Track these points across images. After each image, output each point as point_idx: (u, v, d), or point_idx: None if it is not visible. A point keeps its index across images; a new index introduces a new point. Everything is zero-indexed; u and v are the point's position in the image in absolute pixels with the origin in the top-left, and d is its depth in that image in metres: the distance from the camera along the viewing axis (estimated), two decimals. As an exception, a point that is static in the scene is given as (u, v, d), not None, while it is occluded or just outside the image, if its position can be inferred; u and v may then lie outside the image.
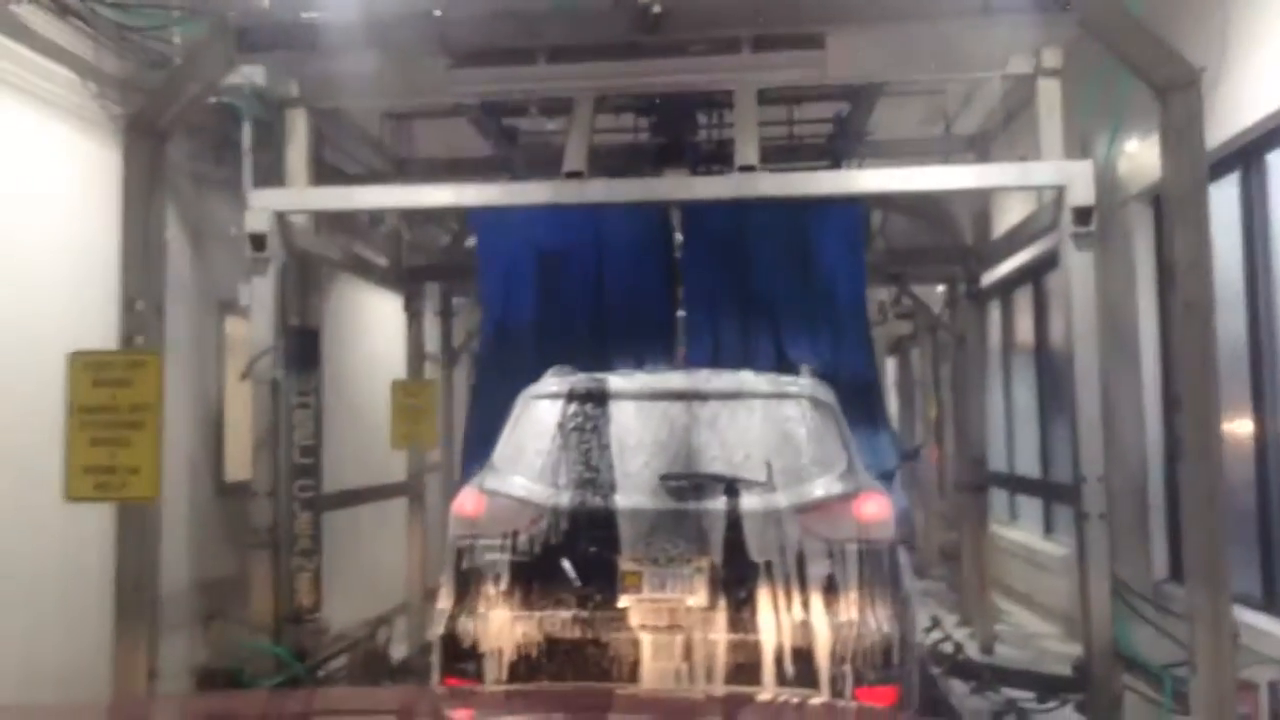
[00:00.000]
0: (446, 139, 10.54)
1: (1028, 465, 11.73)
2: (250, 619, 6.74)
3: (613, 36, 5.41)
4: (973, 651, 9.05)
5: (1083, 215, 6.53)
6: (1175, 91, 4.63)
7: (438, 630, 5.43)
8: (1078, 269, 6.64)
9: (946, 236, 10.10)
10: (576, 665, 5.25)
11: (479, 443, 7.78)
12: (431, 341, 11.08)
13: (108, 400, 5.03)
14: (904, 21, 5.34)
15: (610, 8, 5.03)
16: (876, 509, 5.54)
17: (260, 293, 6.97)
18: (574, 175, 6.75)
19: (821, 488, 5.54)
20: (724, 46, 5.61)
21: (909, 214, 10.45)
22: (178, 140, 7.89)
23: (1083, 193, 6.53)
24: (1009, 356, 12.64)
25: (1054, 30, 6.06)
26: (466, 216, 10.06)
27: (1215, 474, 4.83)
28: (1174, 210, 4.72)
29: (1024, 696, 7.22)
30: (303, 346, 7.05)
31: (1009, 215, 9.62)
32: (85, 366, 5.06)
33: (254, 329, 7.02)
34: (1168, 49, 4.69)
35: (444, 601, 5.52)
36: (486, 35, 5.46)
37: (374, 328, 11.45)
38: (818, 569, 5.34)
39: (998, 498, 12.27)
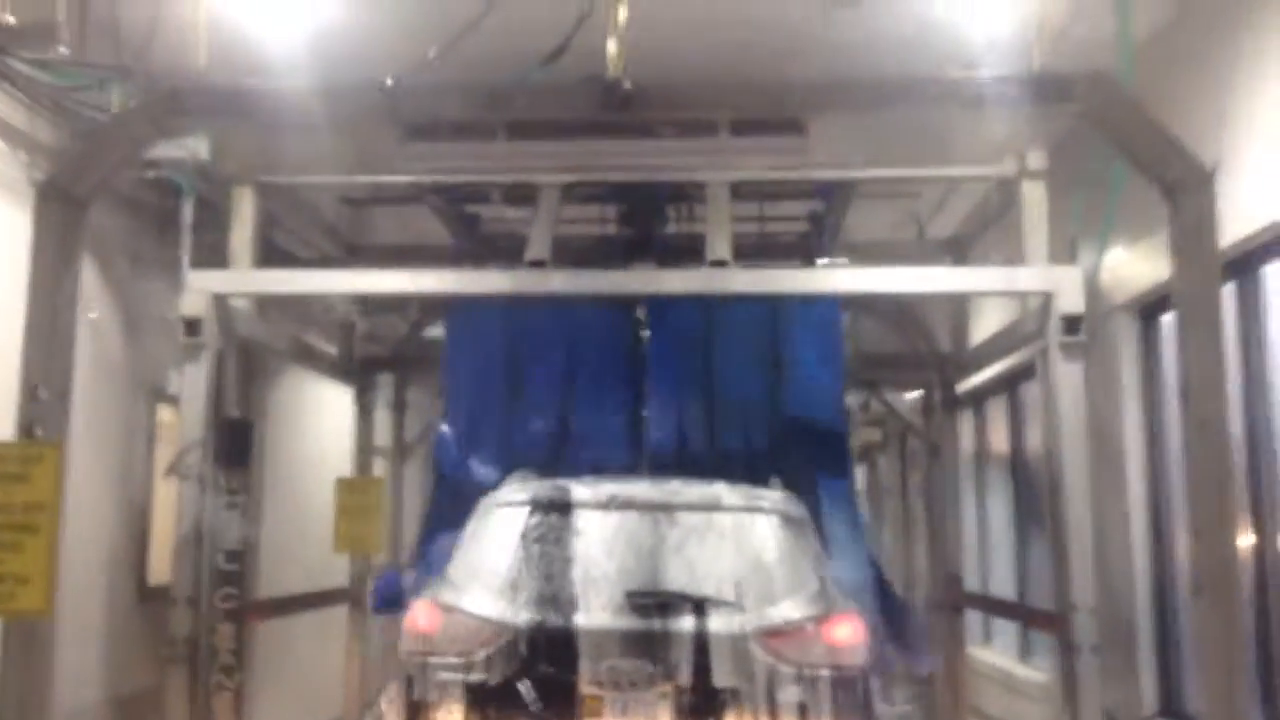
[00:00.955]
0: (405, 226, 10.15)
1: (1002, 584, 11.26)
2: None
3: (578, 114, 5.06)
4: (948, 785, 8.48)
5: (1071, 324, 6.24)
6: (1186, 192, 4.31)
7: None
8: (1065, 380, 6.31)
9: (921, 342, 9.75)
10: None
11: (433, 542, 7.34)
12: (383, 435, 10.54)
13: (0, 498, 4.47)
14: (891, 108, 5.03)
15: (576, 84, 4.69)
16: (849, 633, 5.34)
17: (192, 381, 6.51)
18: (537, 264, 6.38)
19: (791, 609, 5.34)
20: (698, 129, 5.27)
21: (881, 318, 10.11)
22: (117, 216, 7.51)
23: (1071, 300, 6.24)
24: (982, 468, 12.25)
25: (1047, 124, 5.79)
26: (426, 306, 9.63)
27: (1235, 606, 4.41)
28: (1185, 320, 4.37)
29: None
30: (234, 441, 6.51)
31: (985, 322, 9.31)
32: (-26, 459, 4.51)
33: (183, 420, 6.52)
34: (1179, 147, 4.39)
35: None
36: (441, 108, 5.09)
37: (324, 420, 10.89)
38: (787, 696, 5.13)
39: (970, 617, 11.75)
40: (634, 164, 5.64)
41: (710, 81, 5.12)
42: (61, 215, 4.44)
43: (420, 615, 5.39)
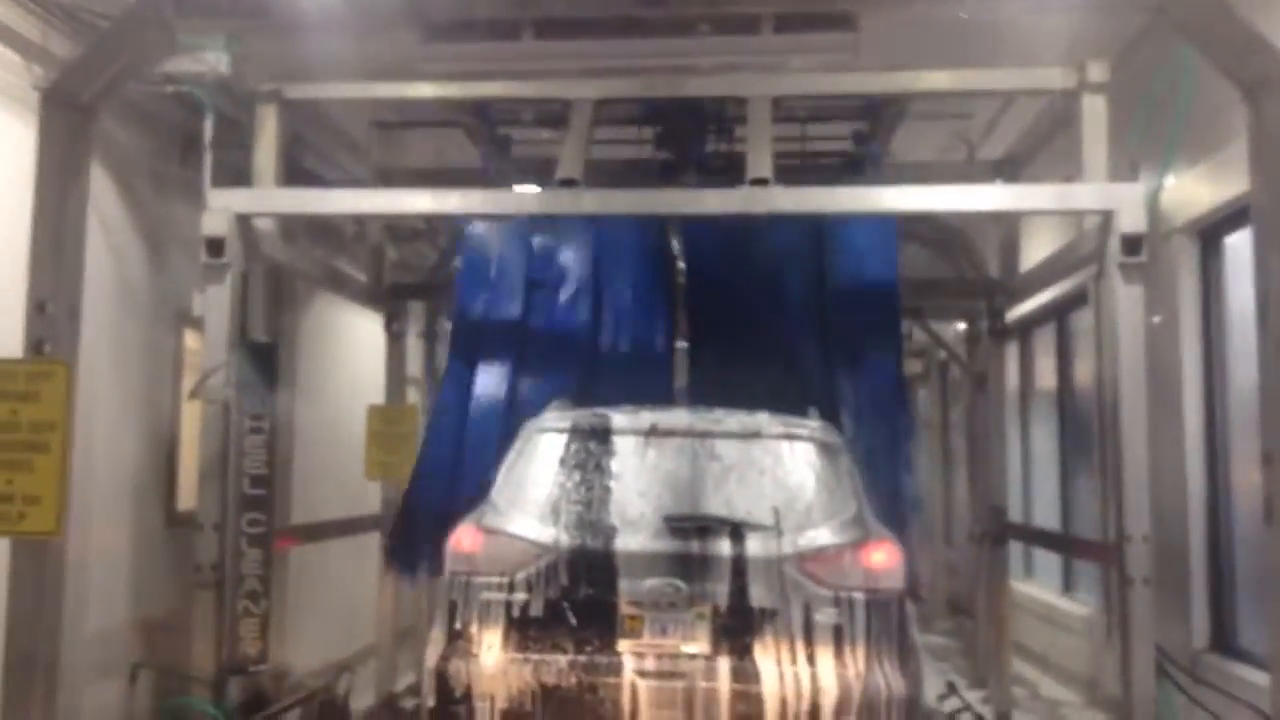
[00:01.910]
0: (437, 151, 9.88)
1: (1046, 517, 11.00)
2: (188, 667, 6.04)
3: (611, 10, 4.75)
4: (989, 718, 8.31)
5: (1132, 244, 5.93)
6: (1269, 92, 3.96)
7: (428, 669, 5.27)
8: (1125, 303, 6.01)
9: (969, 268, 9.41)
10: (572, 711, 5.15)
11: (434, 466, 7.21)
12: (415, 365, 10.39)
13: (7, 417, 4.30)
14: (947, 3, 4.68)
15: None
16: (885, 558, 5.39)
17: (215, 303, 6.32)
18: (568, 184, 6.12)
19: (828, 534, 5.40)
20: (739, 26, 4.93)
21: (928, 243, 9.77)
22: (139, 135, 7.32)
23: (1132, 219, 5.92)
24: (1028, 399, 11.94)
25: (1111, 30, 5.41)
26: (456, 234, 9.39)
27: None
28: (1263, 233, 4.04)
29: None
30: (258, 363, 6.35)
31: (1036, 249, 8.96)
32: (-18, 377, 4.34)
33: (206, 343, 6.35)
34: (1261, 40, 4.03)
35: (434, 642, 5.37)
36: (466, 3, 4.80)
37: (357, 348, 10.74)
38: (823, 618, 5.22)
39: (1012, 550, 11.54)
40: (669, 64, 5.31)
41: None
42: (67, 123, 4.24)
43: (464, 537, 5.47)
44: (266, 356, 6.50)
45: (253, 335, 6.87)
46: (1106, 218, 6.01)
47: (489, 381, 7.47)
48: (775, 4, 4.79)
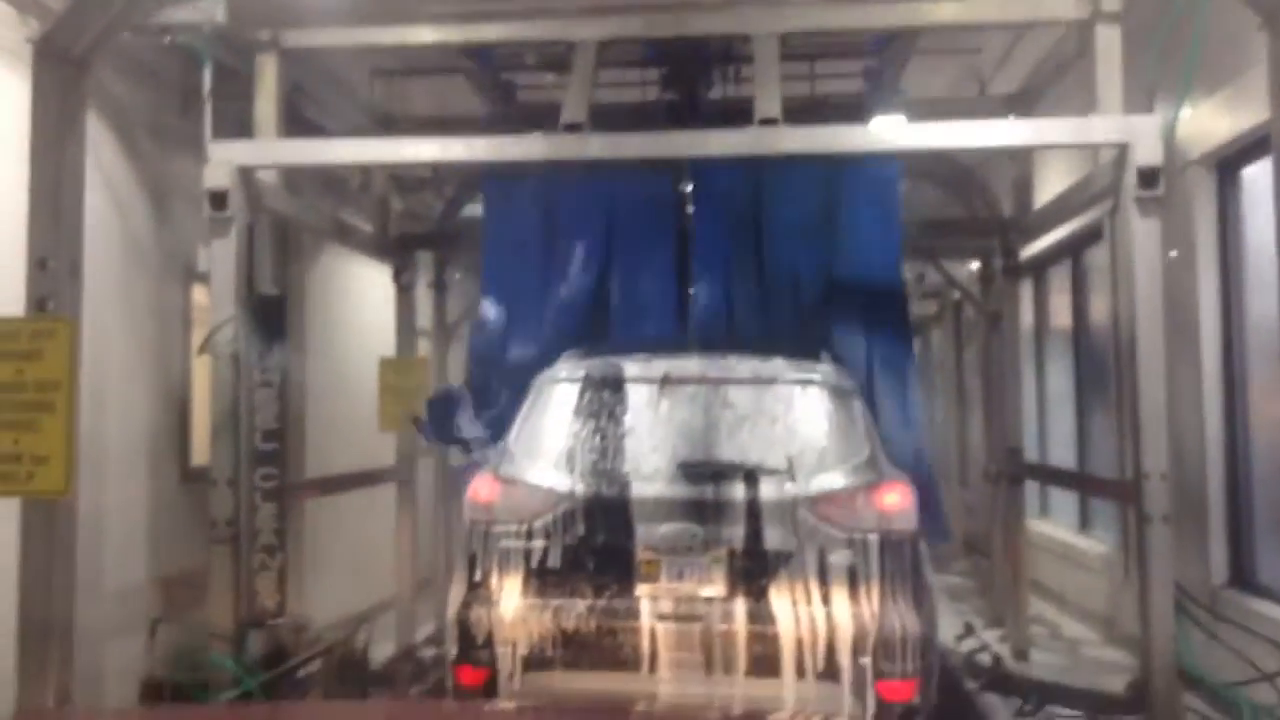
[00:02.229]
0: (441, 100, 9.77)
1: (1062, 456, 10.95)
2: (206, 622, 6.06)
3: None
4: (1007, 657, 8.32)
5: (1148, 177, 5.82)
6: (1290, 17, 3.84)
7: (450, 617, 5.38)
8: (1142, 237, 5.91)
9: (982, 207, 9.29)
10: (592, 655, 5.23)
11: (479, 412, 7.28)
12: (425, 317, 10.35)
13: (11, 376, 4.27)
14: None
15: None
16: (898, 499, 5.42)
17: (221, 256, 6.27)
18: (573, 128, 6.03)
19: (841, 477, 5.44)
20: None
21: (940, 183, 9.65)
22: (139, 89, 7.23)
23: (1149, 151, 5.81)
24: (1042, 338, 11.85)
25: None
26: (463, 183, 9.31)
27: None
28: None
29: (1071, 715, 6.49)
30: (265, 317, 6.30)
31: (1049, 186, 8.82)
32: (-16, 336, 4.30)
33: (213, 297, 6.31)
34: (1283, -34, 3.89)
35: (456, 589, 5.46)
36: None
37: (367, 300, 10.70)
38: (837, 560, 5.27)
39: (1027, 490, 11.52)
40: (672, 0, 5.19)
41: None
42: (60, 76, 4.15)
43: (482, 487, 5.52)
44: (274, 310, 6.45)
45: (260, 289, 6.81)
46: (1122, 151, 5.90)
47: (509, 327, 7.55)
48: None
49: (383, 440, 9.38)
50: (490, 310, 7.68)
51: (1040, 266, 11.18)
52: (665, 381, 5.63)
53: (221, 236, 6.24)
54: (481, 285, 7.87)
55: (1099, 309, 9.78)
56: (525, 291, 7.65)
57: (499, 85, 8.48)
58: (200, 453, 7.50)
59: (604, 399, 5.63)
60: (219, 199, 6.17)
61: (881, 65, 8.12)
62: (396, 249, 9.33)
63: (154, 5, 5.26)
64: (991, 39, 8.83)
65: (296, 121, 7.74)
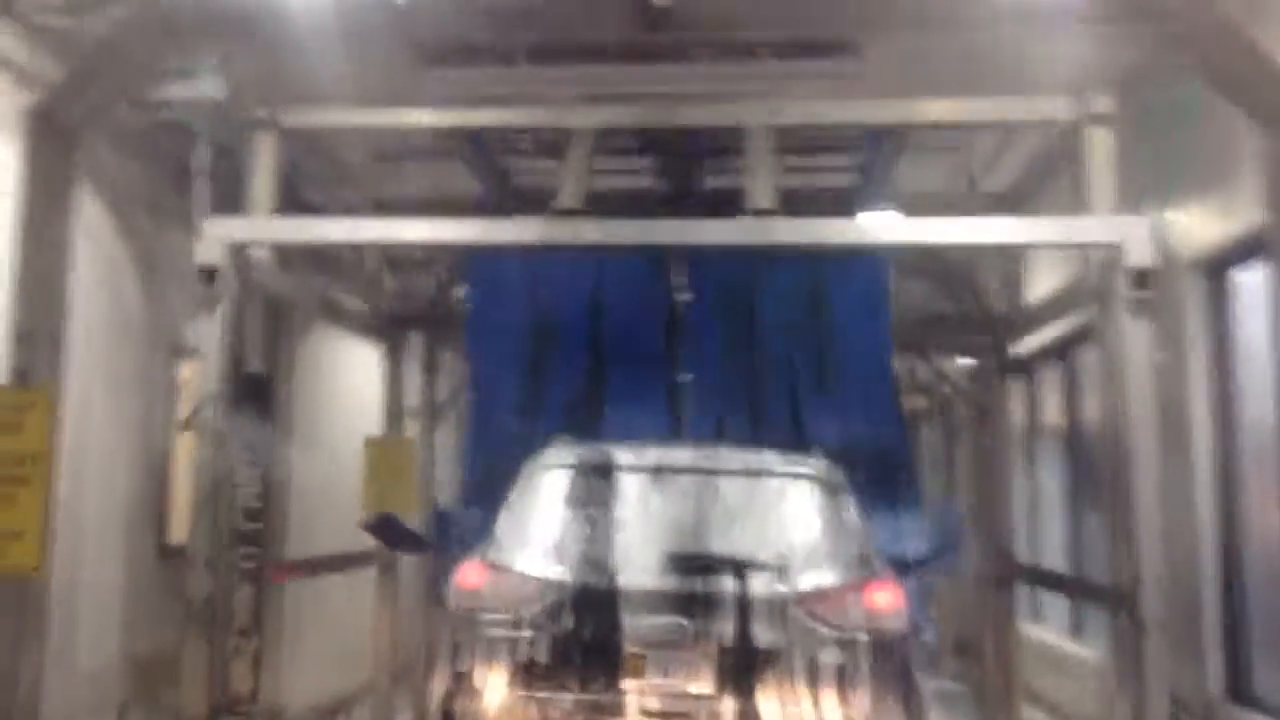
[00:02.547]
0: (436, 182, 9.81)
1: (1053, 559, 10.81)
2: (177, 707, 5.89)
3: (608, 34, 4.66)
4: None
5: (1140, 279, 5.85)
6: (1285, 123, 3.86)
7: (433, 708, 5.33)
8: (1133, 339, 5.91)
9: (972, 303, 9.31)
10: None
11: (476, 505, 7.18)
12: (415, 396, 10.28)
13: (-13, 447, 4.18)
14: (954, 27, 4.59)
15: (606, 1, 4.31)
16: (888, 599, 5.35)
17: (209, 333, 6.23)
18: (567, 213, 6.04)
19: (831, 573, 5.37)
20: (739, 53, 4.84)
21: (930, 278, 9.68)
22: (134, 163, 7.26)
23: (1141, 253, 5.83)
24: (1033, 437, 11.78)
25: (1114, 61, 5.31)
26: (457, 264, 9.32)
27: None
28: None
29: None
30: (252, 394, 6.24)
31: (1040, 285, 8.85)
32: (-39, 406, 4.22)
33: (201, 373, 6.26)
34: None
35: (439, 678, 5.39)
36: (460, 26, 4.72)
37: (355, 379, 10.64)
38: (827, 658, 5.17)
39: (1019, 592, 11.36)
40: (668, 91, 5.21)
41: None
42: (52, 145, 4.13)
43: (470, 573, 5.46)
44: (260, 387, 6.40)
45: (248, 365, 6.77)
46: (1113, 252, 5.91)
47: (496, 412, 7.46)
48: (777, 30, 4.70)
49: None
50: (475, 393, 7.63)
51: (1031, 364, 11.17)
52: (656, 471, 5.60)
53: (210, 312, 6.21)
54: (468, 367, 7.83)
55: (1091, 409, 9.73)
56: (510, 375, 7.61)
57: (494, 169, 8.53)
58: (178, 529, 7.39)
59: (594, 487, 5.59)
60: (209, 275, 6.16)
61: (873, 160, 8.19)
62: (388, 328, 9.31)
63: (151, 81, 5.26)
64: (983, 137, 8.91)
65: (292, 199, 7.76)
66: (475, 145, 7.97)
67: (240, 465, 6.28)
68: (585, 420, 7.30)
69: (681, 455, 5.80)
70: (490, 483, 7.15)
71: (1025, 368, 11.10)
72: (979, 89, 5.74)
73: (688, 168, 8.11)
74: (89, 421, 6.65)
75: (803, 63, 4.83)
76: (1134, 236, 5.81)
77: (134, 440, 7.39)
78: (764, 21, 4.70)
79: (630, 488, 5.59)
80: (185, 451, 7.23)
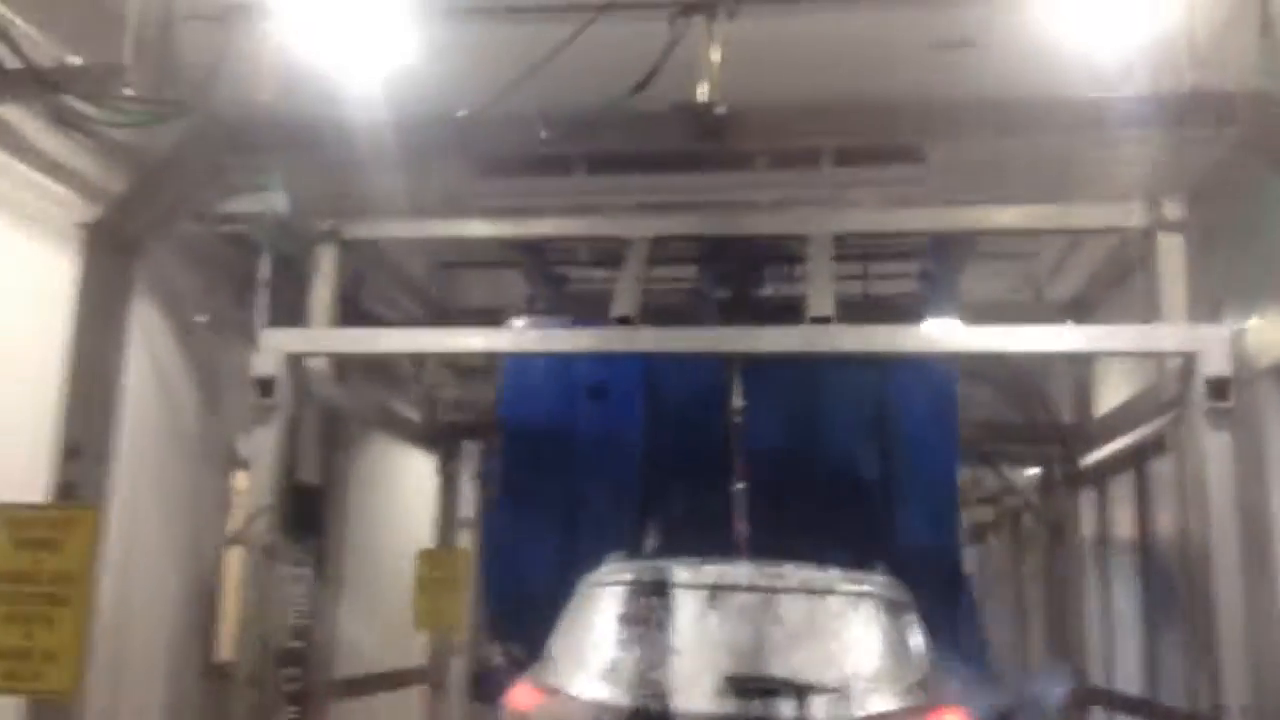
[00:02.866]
0: (497, 290, 9.84)
1: (1128, 681, 10.30)
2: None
3: (667, 144, 4.61)
4: None
5: (1218, 388, 5.61)
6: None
7: None
8: (1212, 450, 5.66)
9: (1041, 413, 9.06)
10: None
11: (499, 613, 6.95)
12: (469, 507, 10.17)
13: (28, 566, 4.09)
14: (1020, 132, 4.48)
15: (665, 111, 4.27)
16: None
17: (262, 444, 6.18)
18: (623, 321, 5.95)
19: (894, 698, 5.10)
20: (800, 160, 4.76)
21: (997, 387, 9.46)
22: (195, 275, 7.32)
23: (1218, 362, 5.61)
24: (1105, 552, 11.34)
25: (1185, 166, 5.17)
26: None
27: None
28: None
29: None
30: (302, 508, 6.15)
31: (1109, 395, 8.58)
32: (4, 523, 4.14)
33: (252, 486, 6.19)
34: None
35: None
36: (517, 139, 4.70)
37: (411, 489, 10.54)
38: None
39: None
40: (727, 199, 5.15)
41: (814, 105, 4.61)
42: (109, 260, 4.14)
43: (520, 696, 5.25)
44: (312, 500, 6.31)
45: (300, 477, 6.69)
46: (1189, 360, 5.70)
47: (539, 525, 7.26)
48: (838, 136, 4.62)
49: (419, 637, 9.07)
50: (506, 504, 7.39)
51: (1102, 476, 10.81)
52: (714, 589, 5.39)
53: (265, 424, 6.17)
54: (502, 465, 7.60)
55: (1165, 523, 9.36)
56: (549, 486, 7.38)
57: (551, 278, 8.51)
58: (226, 646, 7.25)
59: (650, 605, 5.38)
60: (266, 386, 6.13)
61: (937, 267, 8.06)
62: (442, 438, 9.24)
63: (213, 195, 5.31)
64: (1049, 245, 8.77)
65: (353, 310, 7.79)
66: (531, 253, 7.97)
67: (288, 580, 6.15)
68: (640, 534, 7.09)
69: (741, 572, 5.62)
70: (529, 600, 6.95)
71: (1096, 478, 10.75)
72: (1046, 196, 5.59)
73: (746, 276, 8.01)
74: (137, 535, 6.59)
75: (865, 170, 4.74)
76: (1211, 344, 5.60)
77: (184, 555, 7.30)
78: (824, 129, 4.62)
79: (687, 607, 5.37)
80: (236, 566, 7.13)
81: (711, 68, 4.32)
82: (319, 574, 6.94)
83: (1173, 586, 8.78)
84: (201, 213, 6.14)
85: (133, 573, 6.49)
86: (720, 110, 4.10)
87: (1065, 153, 4.81)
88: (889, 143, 4.62)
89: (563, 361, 7.41)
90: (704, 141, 4.16)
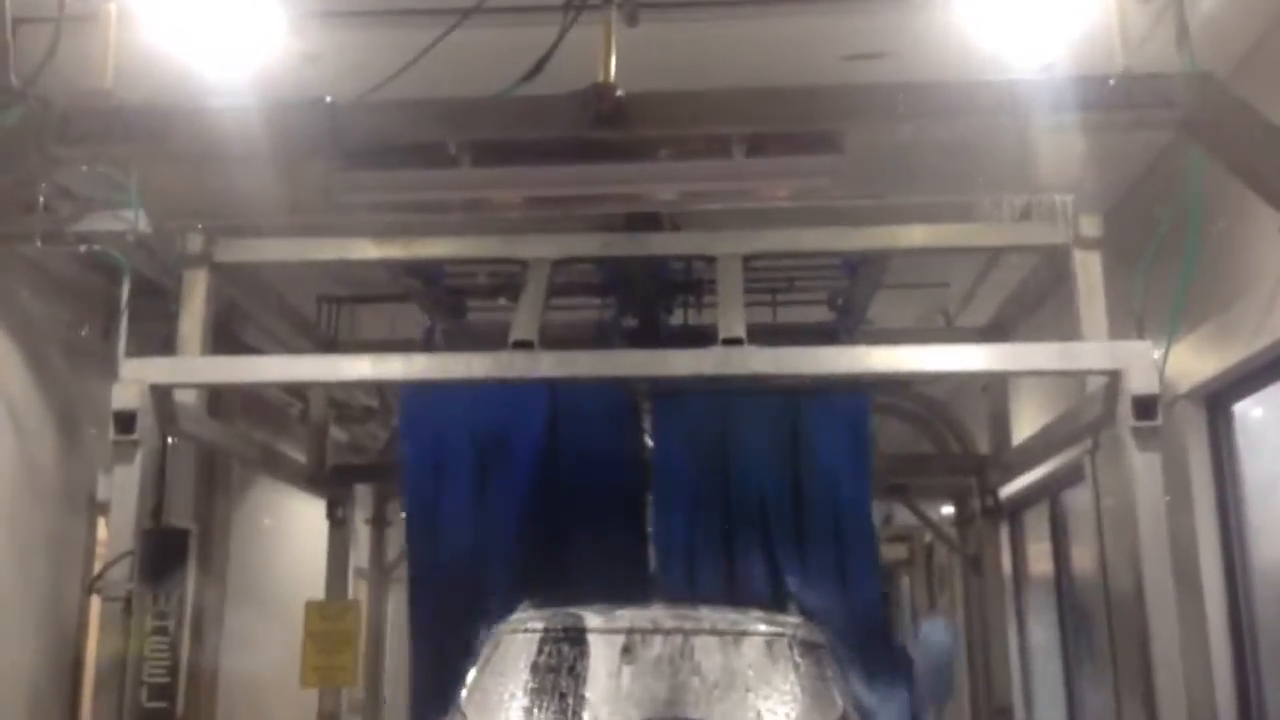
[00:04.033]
0: (391, 325, 9.36)
1: (1049, 717, 10.09)
2: None
3: (559, 131, 4.23)
4: None
5: (1145, 406, 5.35)
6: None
7: None
8: (1141, 471, 5.40)
9: (955, 443, 8.84)
10: None
11: (425, 683, 6.68)
12: (364, 556, 9.59)
13: None
14: (946, 119, 4.20)
15: (557, 96, 3.91)
16: None
17: (123, 484, 5.58)
18: (522, 345, 5.55)
19: None
20: (707, 150, 4.43)
21: (907, 417, 9.25)
22: (52, 304, 6.75)
23: (1144, 379, 5.37)
24: (1021, 585, 11.18)
25: (1109, 155, 4.94)
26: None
27: None
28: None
29: None
30: (164, 553, 5.58)
31: (1027, 424, 8.41)
32: None
33: (111, 530, 5.60)
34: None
35: None
36: (393, 126, 4.28)
37: (303, 536, 9.93)
38: None
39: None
40: (627, 192, 4.78)
41: (723, 90, 4.26)
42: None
43: None
44: (177, 545, 5.73)
45: (168, 521, 6.12)
46: (1114, 379, 5.46)
47: (453, 566, 6.86)
48: (750, 123, 4.28)
49: (308, 697, 8.44)
50: (420, 552, 6.98)
51: (1019, 507, 10.66)
52: (630, 634, 5.23)
53: (126, 462, 5.58)
54: (407, 523, 7.19)
55: (1081, 555, 9.21)
56: (457, 530, 6.99)
57: (449, 307, 8.07)
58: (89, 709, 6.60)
59: (564, 653, 5.21)
60: (126, 420, 5.55)
61: (847, 295, 7.83)
62: (332, 482, 8.67)
63: (39, 182, 4.73)
64: (959, 272, 8.61)
65: (232, 346, 7.26)
66: (424, 279, 7.54)
67: (148, 635, 5.56)
68: (544, 575, 6.70)
69: (656, 616, 5.44)
70: (441, 646, 6.53)
71: (1014, 511, 10.59)
72: (959, 214, 5.32)
73: (652, 304, 7.69)
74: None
75: (779, 160, 4.41)
76: (1136, 362, 5.36)
77: (41, 606, 6.67)
78: (733, 115, 4.26)
79: (602, 652, 5.19)
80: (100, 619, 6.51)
81: (610, 57, 3.96)
82: (199, 627, 6.33)
83: (1092, 618, 8.62)
84: (54, 232, 5.59)
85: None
86: (618, 92, 3.74)
87: (989, 140, 4.55)
88: (804, 129, 4.31)
89: (462, 410, 7.03)
90: (602, 127, 3.80)
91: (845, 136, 4.30)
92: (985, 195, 5.72)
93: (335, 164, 4.40)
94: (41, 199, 5.53)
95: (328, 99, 3.88)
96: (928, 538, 12.30)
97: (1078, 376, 6.03)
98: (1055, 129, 4.18)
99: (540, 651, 5.22)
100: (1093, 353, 5.67)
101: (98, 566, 6.76)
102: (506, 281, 7.59)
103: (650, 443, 7.38)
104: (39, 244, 5.78)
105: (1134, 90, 3.97)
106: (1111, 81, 3.99)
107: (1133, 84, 4.01)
